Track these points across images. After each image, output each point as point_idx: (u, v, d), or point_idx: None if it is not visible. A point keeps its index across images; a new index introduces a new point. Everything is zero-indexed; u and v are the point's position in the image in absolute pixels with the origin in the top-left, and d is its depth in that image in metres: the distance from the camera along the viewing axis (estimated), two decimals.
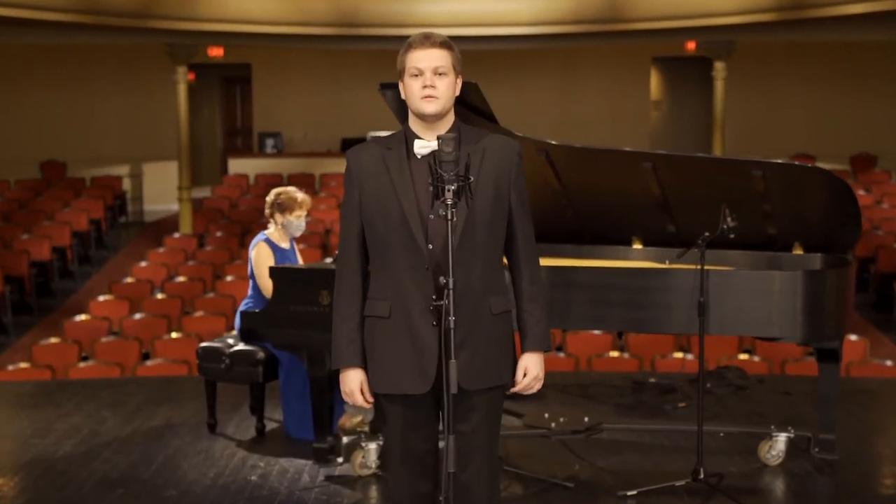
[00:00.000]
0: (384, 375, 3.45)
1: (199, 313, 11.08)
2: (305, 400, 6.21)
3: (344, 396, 3.50)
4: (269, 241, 6.38)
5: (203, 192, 18.41)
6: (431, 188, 3.10)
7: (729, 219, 5.46)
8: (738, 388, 7.47)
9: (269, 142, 19.57)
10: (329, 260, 6.96)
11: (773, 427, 5.86)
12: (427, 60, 3.43)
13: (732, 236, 5.46)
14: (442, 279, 3.07)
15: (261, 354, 6.27)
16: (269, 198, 6.45)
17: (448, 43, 3.50)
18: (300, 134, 20.07)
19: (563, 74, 19.85)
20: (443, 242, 3.37)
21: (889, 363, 9.22)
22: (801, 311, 5.44)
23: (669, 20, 14.75)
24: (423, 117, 3.46)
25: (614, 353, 9.58)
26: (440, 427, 3.53)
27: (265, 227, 6.56)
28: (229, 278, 12.54)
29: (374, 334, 3.48)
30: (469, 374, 3.36)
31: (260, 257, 6.31)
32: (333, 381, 5.88)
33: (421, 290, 3.39)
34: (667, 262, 6.24)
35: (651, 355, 9.56)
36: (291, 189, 6.48)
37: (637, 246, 6.45)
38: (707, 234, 5.35)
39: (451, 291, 3.07)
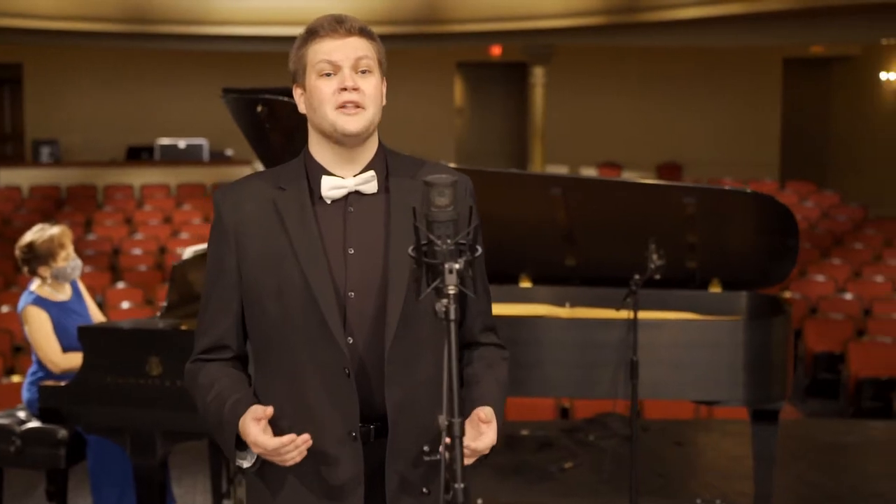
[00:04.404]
0: None
1: None
2: (124, 487, 4.89)
3: (263, 455, 2.23)
4: (39, 301, 4.94)
5: None
6: (415, 266, 1.90)
7: (655, 255, 4.53)
8: (624, 438, 6.55)
9: (45, 150, 17.62)
10: (126, 320, 5.61)
11: (698, 501, 4.95)
12: (344, 51, 2.30)
13: (658, 276, 4.55)
14: (443, 419, 1.84)
15: (63, 432, 4.90)
16: (19, 254, 4.95)
17: (369, 31, 2.38)
18: (80, 141, 18.23)
19: None
20: (369, 332, 2.26)
21: None
22: (744, 368, 4.53)
23: (491, 22, 13.88)
24: (340, 139, 2.29)
25: None
26: None
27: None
28: (5, 309, 10.82)
29: (269, 471, 2.29)
30: None
31: (32, 327, 4.89)
32: (165, 469, 4.65)
33: (338, 406, 2.25)
34: (567, 304, 5.24)
35: None
36: (37, 230, 4.99)
37: (525, 284, 5.41)
38: (637, 276, 4.40)
39: (458, 440, 1.86)
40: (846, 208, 15.65)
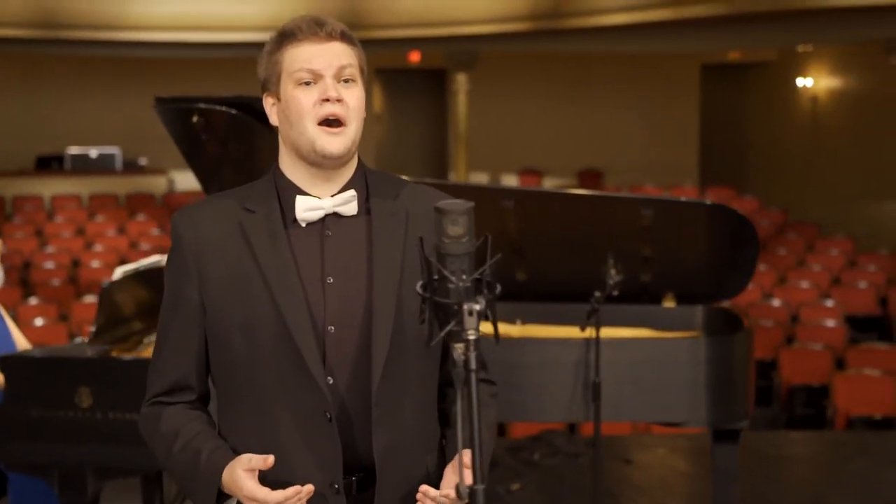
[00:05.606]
0: None
1: None
2: None
3: None
4: None
5: None
6: (424, 309, 1.65)
7: (613, 270, 4.35)
8: (570, 455, 6.37)
9: None
10: (79, 340, 5.27)
11: None
12: (326, 58, 2.05)
13: (616, 292, 4.37)
14: (463, 486, 1.59)
15: None
16: None
17: (350, 35, 2.12)
18: None
19: None
20: (352, 370, 2.02)
21: None
22: (706, 386, 4.36)
23: (413, 28, 13.64)
24: (317, 160, 2.05)
25: None
26: None
27: None
28: None
29: None
30: None
31: None
32: None
33: (318, 454, 2.01)
34: (518, 321, 5.03)
35: None
36: None
37: None
38: (598, 293, 4.22)
39: None
40: (767, 213, 15.75)
